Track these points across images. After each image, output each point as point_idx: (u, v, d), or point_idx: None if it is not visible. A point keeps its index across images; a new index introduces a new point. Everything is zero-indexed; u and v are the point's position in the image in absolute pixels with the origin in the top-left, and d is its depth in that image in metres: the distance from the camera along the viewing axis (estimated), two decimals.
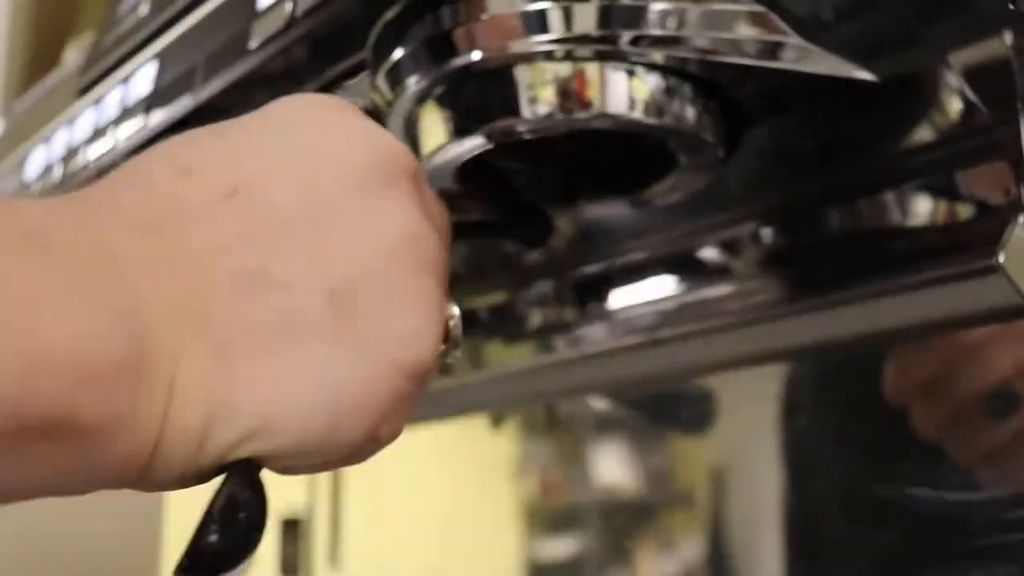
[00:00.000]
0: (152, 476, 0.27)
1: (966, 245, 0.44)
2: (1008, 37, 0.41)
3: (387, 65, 0.44)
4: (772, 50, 0.41)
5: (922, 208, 0.48)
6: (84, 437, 0.24)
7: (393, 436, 0.30)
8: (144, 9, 0.61)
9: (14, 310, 0.22)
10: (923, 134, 0.46)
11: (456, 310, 0.34)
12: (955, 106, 0.45)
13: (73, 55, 0.87)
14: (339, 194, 0.30)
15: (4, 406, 0.21)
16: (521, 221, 0.48)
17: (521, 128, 0.42)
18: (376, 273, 0.29)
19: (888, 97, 0.45)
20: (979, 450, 0.47)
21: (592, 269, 0.60)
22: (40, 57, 1.03)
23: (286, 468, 0.29)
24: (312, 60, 0.49)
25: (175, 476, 0.28)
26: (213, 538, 0.27)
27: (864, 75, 0.42)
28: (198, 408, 0.26)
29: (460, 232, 0.38)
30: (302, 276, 0.28)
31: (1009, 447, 0.45)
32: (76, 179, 0.62)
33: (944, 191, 0.46)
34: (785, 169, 0.50)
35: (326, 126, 0.32)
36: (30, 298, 0.22)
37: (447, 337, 0.33)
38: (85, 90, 0.65)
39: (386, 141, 0.32)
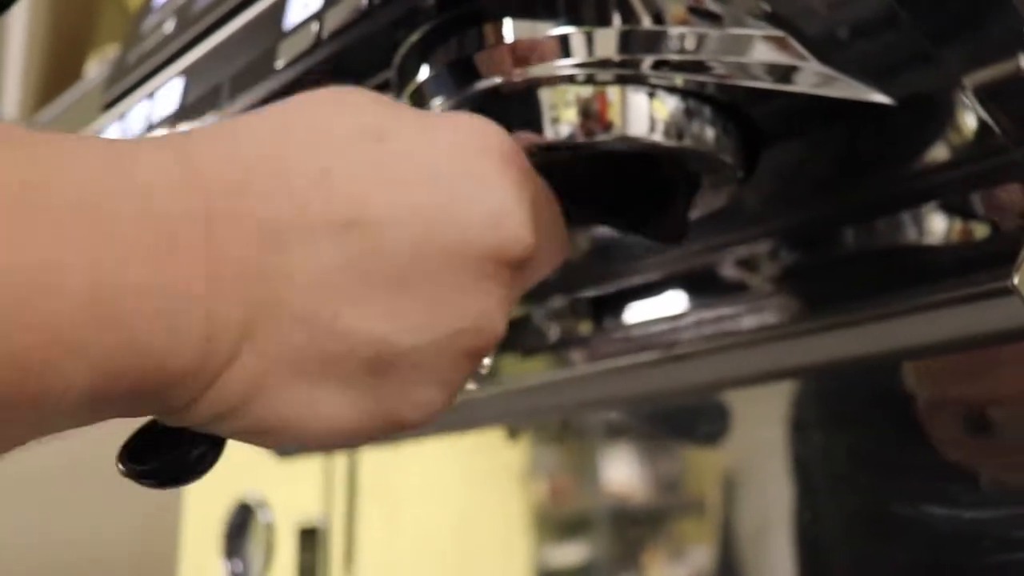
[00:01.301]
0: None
1: (982, 266, 0.44)
2: (1023, 59, 0.42)
3: (412, 87, 0.45)
4: (791, 74, 0.42)
5: (938, 228, 0.49)
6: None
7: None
8: (169, 26, 0.62)
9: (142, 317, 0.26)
10: (939, 154, 0.47)
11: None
12: (970, 127, 0.45)
13: (94, 68, 0.88)
14: (439, 267, 0.31)
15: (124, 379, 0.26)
16: (654, 217, 0.48)
17: (544, 150, 0.43)
18: (421, 356, 0.31)
19: (904, 118, 0.45)
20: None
21: (608, 284, 0.61)
22: (58, 70, 1.04)
23: None
24: (337, 79, 0.50)
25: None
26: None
27: (880, 98, 0.43)
28: (228, 402, 0.29)
29: (598, 219, 0.38)
30: (360, 332, 0.30)
31: None
32: None
33: (960, 212, 0.47)
34: (802, 188, 0.51)
35: (462, 183, 0.32)
36: (150, 311, 0.26)
37: None
38: (110, 105, 0.66)
39: (516, 222, 0.32)
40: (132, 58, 0.65)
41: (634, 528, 0.70)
